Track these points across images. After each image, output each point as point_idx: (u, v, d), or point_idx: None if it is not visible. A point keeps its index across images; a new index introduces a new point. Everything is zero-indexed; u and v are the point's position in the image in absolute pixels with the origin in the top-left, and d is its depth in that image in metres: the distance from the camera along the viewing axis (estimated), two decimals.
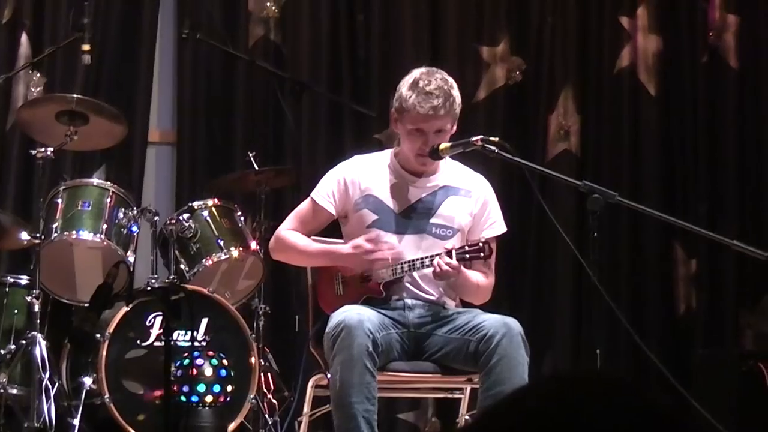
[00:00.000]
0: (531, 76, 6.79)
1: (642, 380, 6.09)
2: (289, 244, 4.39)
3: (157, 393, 4.94)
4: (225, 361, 4.92)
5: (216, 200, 5.55)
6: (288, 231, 4.40)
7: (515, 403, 1.23)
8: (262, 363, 5.26)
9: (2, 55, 6.07)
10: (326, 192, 4.36)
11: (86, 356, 5.13)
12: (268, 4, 6.48)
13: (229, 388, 4.89)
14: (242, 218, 5.59)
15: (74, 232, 5.25)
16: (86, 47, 5.41)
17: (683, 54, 6.95)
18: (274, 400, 5.38)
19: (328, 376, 4.08)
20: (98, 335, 4.91)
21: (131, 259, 5.32)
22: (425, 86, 4.21)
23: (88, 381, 5.08)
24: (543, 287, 6.68)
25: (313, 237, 4.42)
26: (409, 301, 4.28)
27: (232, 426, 5.02)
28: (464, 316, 4.24)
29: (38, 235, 5.09)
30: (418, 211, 4.32)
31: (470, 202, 4.36)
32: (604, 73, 6.88)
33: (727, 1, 6.96)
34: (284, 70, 6.27)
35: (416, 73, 4.30)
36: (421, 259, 4.20)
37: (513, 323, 4.11)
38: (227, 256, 5.43)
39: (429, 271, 4.21)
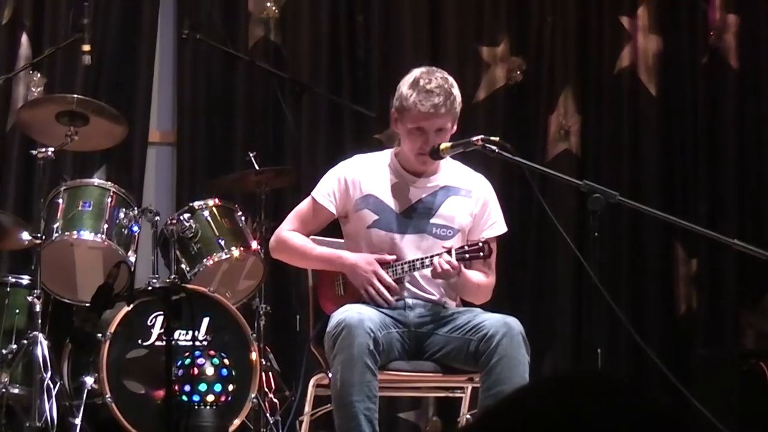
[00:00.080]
0: (531, 76, 6.79)
1: (642, 380, 6.09)
2: (289, 245, 4.39)
3: (159, 393, 4.94)
4: (226, 361, 4.92)
5: (216, 200, 5.55)
6: (289, 232, 4.40)
7: (516, 403, 1.24)
8: (263, 362, 5.27)
9: (2, 56, 6.07)
10: (327, 191, 4.36)
11: (87, 356, 5.14)
12: (268, 4, 6.48)
13: (231, 387, 4.90)
14: (243, 218, 5.59)
15: (75, 232, 5.26)
16: (86, 48, 5.41)
17: (683, 54, 6.95)
18: (275, 400, 5.39)
19: (329, 375, 4.09)
20: (99, 335, 4.92)
21: (132, 259, 5.32)
22: (426, 84, 4.21)
23: (89, 381, 5.08)
24: (543, 287, 6.68)
25: (312, 237, 4.42)
26: (409, 301, 4.29)
27: (233, 425, 5.03)
28: (465, 315, 4.25)
29: (39, 235, 5.09)
30: (418, 211, 4.31)
31: (470, 202, 4.36)
32: (605, 73, 6.88)
33: (727, 2, 6.96)
34: (284, 70, 6.27)
35: (416, 72, 4.30)
36: (421, 259, 4.20)
37: (514, 323, 4.11)
38: (228, 256, 5.43)
39: (429, 271, 4.22)
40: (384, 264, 4.24)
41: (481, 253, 4.16)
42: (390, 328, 4.17)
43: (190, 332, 4.85)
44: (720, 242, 4.24)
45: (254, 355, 5.12)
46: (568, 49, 6.84)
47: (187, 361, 4.84)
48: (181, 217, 5.42)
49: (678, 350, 6.60)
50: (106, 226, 5.29)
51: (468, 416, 4.53)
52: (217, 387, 4.86)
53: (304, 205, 4.43)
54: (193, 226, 5.41)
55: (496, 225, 4.39)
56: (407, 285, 4.30)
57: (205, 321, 5.11)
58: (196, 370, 4.83)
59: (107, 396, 4.91)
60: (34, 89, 6.07)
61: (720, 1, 6.96)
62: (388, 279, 4.21)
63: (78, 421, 4.95)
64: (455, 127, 4.28)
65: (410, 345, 4.26)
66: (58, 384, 4.98)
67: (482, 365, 4.09)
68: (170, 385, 3.66)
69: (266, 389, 5.31)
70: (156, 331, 5.06)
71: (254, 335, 5.20)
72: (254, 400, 5.10)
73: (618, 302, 4.71)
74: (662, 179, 6.85)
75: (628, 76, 6.88)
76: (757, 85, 6.94)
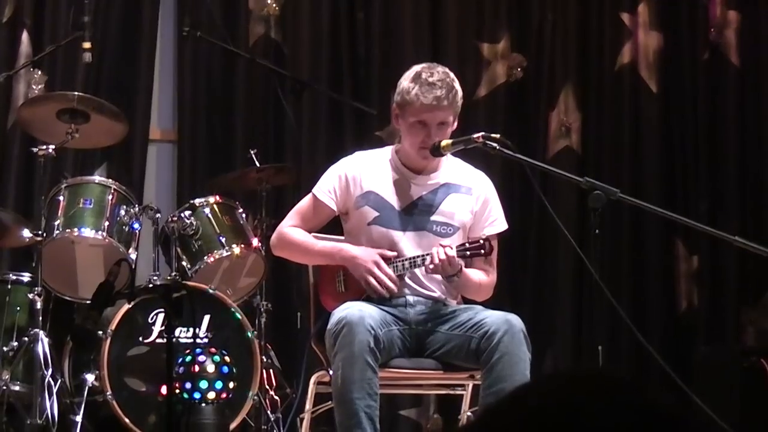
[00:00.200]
0: (532, 73, 6.79)
1: (643, 377, 6.10)
2: (290, 241, 4.39)
3: (160, 390, 4.94)
4: (227, 358, 4.92)
5: (217, 197, 5.55)
6: (290, 228, 4.40)
7: (517, 402, 1.24)
8: (264, 360, 5.27)
9: (3, 54, 6.07)
10: (327, 188, 4.36)
11: (88, 353, 5.14)
12: (269, 2, 6.48)
13: (231, 384, 4.90)
14: (243, 215, 5.59)
15: (76, 229, 5.26)
16: (87, 45, 5.41)
17: (684, 51, 6.95)
18: (276, 397, 5.39)
19: (330, 372, 4.09)
20: (100, 332, 4.92)
21: (133, 256, 5.32)
22: (428, 78, 4.21)
23: (90, 378, 5.08)
24: (544, 284, 6.68)
25: (313, 234, 4.41)
26: (410, 298, 4.29)
27: (234, 423, 5.03)
28: (466, 313, 4.25)
29: (40, 232, 5.10)
30: (419, 209, 4.31)
31: (471, 199, 4.36)
32: (605, 70, 6.88)
33: None
34: (285, 68, 6.27)
35: (417, 67, 4.30)
36: (422, 256, 4.20)
37: (515, 320, 4.11)
38: (229, 253, 5.43)
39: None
40: (384, 259, 4.24)
41: (482, 250, 4.16)
42: (391, 325, 4.17)
43: (191, 330, 4.85)
44: (721, 239, 4.23)
45: (255, 353, 5.12)
46: (568, 45, 6.84)
47: (188, 358, 4.84)
48: (182, 215, 5.42)
49: (679, 347, 6.60)
50: (107, 223, 5.29)
51: (469, 413, 4.53)
52: (218, 384, 4.86)
53: (305, 202, 4.43)
54: (194, 223, 5.41)
55: (496, 222, 4.39)
56: (408, 282, 4.29)
57: (206, 318, 5.11)
58: (197, 368, 4.83)
59: (108, 393, 4.92)
60: (34, 87, 6.07)
61: None
62: (389, 270, 4.21)
63: (79, 418, 4.95)
64: (456, 124, 4.28)
65: (411, 342, 4.26)
66: (59, 381, 4.98)
67: (483, 363, 4.09)
68: (171, 383, 3.65)
69: (267, 387, 5.31)
70: (157, 328, 5.06)
71: (255, 332, 5.20)
72: (255, 397, 5.10)
73: (619, 299, 4.71)
74: (663, 176, 6.85)
75: (628, 72, 6.88)
76: (757, 82, 6.94)
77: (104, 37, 6.16)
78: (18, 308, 5.21)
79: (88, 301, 4.48)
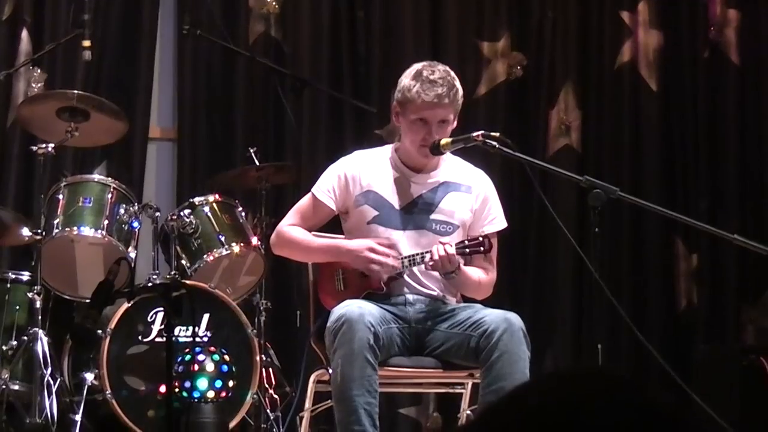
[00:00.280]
0: (532, 71, 6.79)
1: (643, 376, 6.10)
2: (290, 239, 4.39)
3: (159, 389, 4.94)
4: (226, 357, 4.92)
5: (217, 196, 5.55)
6: (289, 226, 4.40)
7: (516, 400, 1.24)
8: (264, 358, 5.27)
9: (3, 52, 6.07)
10: (327, 187, 4.36)
11: (88, 352, 5.14)
12: (269, 0, 6.48)
13: (231, 383, 4.89)
14: (243, 214, 5.59)
15: (75, 228, 5.26)
16: (87, 43, 5.41)
17: (684, 49, 6.95)
18: (275, 396, 5.39)
19: (330, 371, 4.09)
20: (100, 331, 4.92)
21: (132, 255, 5.32)
22: (429, 75, 4.21)
23: (89, 377, 5.09)
24: (544, 283, 6.68)
25: (314, 233, 4.41)
26: (410, 297, 4.29)
27: (233, 422, 5.03)
28: (465, 311, 4.24)
29: (39, 231, 5.10)
30: (418, 207, 4.31)
31: (471, 197, 4.36)
32: (605, 69, 6.88)
33: None
34: (285, 66, 6.27)
35: (418, 65, 4.30)
36: (421, 254, 4.20)
37: (514, 318, 4.11)
38: (228, 251, 5.43)
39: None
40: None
41: (482, 248, 4.16)
42: (390, 323, 4.17)
43: (191, 328, 4.85)
44: (721, 238, 4.23)
45: (254, 352, 5.12)
46: (568, 44, 6.84)
47: (188, 357, 4.84)
48: (182, 213, 5.42)
49: (678, 346, 6.60)
50: (106, 222, 5.29)
51: (468, 412, 4.53)
52: (218, 383, 4.85)
53: (305, 201, 4.43)
54: (194, 222, 5.41)
55: (496, 220, 4.39)
56: (407, 280, 4.29)
57: (206, 317, 5.11)
58: (196, 366, 4.83)
59: (107, 392, 4.91)
60: (34, 85, 6.07)
61: None
62: (385, 249, 4.20)
63: (78, 417, 4.95)
64: (456, 122, 4.28)
65: (410, 341, 4.26)
66: (59, 380, 4.98)
67: (483, 361, 4.08)
68: (170, 382, 3.65)
69: (267, 385, 5.31)
70: (156, 327, 5.06)
71: (254, 331, 5.20)
72: (254, 396, 5.10)
73: (618, 298, 4.71)
74: (663, 174, 6.85)
75: (628, 71, 6.88)
76: (757, 80, 6.94)
77: (104, 35, 6.16)
78: (17, 307, 5.21)
79: (87, 300, 4.48)
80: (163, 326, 4.97)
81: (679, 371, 4.29)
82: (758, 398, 5.62)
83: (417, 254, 4.21)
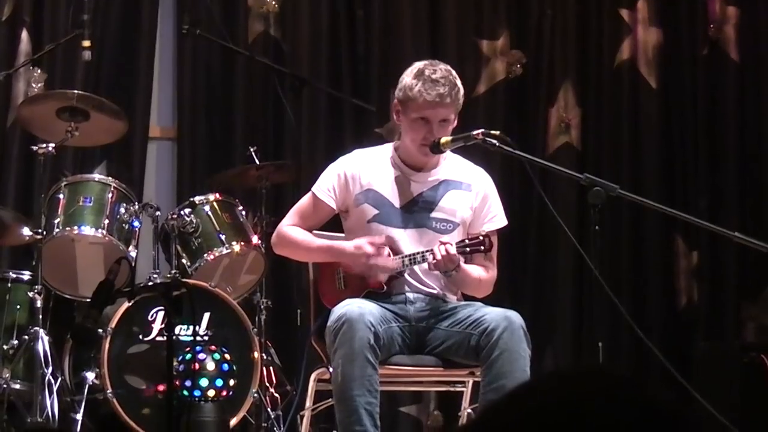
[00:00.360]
0: (531, 69, 6.80)
1: (644, 373, 6.11)
2: (290, 239, 4.39)
3: (160, 388, 4.95)
4: (227, 356, 4.93)
5: (217, 195, 5.55)
6: (289, 227, 4.40)
7: (517, 400, 1.24)
8: (264, 357, 5.27)
9: (2, 52, 6.07)
10: (327, 186, 4.36)
11: (88, 351, 5.14)
12: None
13: (232, 382, 4.90)
14: (243, 213, 5.59)
15: (76, 227, 5.26)
16: (86, 43, 5.41)
17: (683, 47, 6.95)
18: (276, 395, 5.39)
19: (330, 370, 4.09)
20: (100, 331, 4.92)
21: (133, 254, 5.33)
22: (431, 75, 4.21)
23: (90, 376, 5.09)
24: (544, 281, 6.68)
25: (315, 232, 4.42)
26: (410, 295, 4.29)
27: (234, 420, 5.03)
28: (466, 309, 4.24)
29: (40, 230, 5.10)
30: (419, 206, 4.31)
31: (471, 195, 4.36)
32: (605, 66, 6.88)
33: None
34: (284, 65, 6.28)
35: (420, 64, 4.30)
36: (422, 252, 4.20)
37: (514, 316, 4.11)
38: (229, 250, 5.43)
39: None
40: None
41: (482, 246, 4.16)
42: (391, 322, 4.17)
43: (191, 327, 4.86)
44: (721, 235, 4.23)
45: (255, 350, 5.12)
46: (567, 42, 6.84)
47: (188, 356, 4.85)
48: (182, 212, 5.42)
49: (679, 343, 6.60)
50: (106, 221, 5.29)
51: (469, 410, 4.53)
52: (218, 382, 4.86)
53: (305, 200, 4.43)
54: (194, 221, 5.41)
55: (496, 218, 4.39)
56: (407, 278, 4.29)
57: (206, 316, 5.12)
58: (197, 365, 4.83)
59: (108, 391, 4.92)
60: (34, 85, 6.07)
61: None
62: (380, 252, 4.19)
63: (79, 416, 4.96)
64: (456, 121, 4.28)
65: (411, 339, 4.26)
66: (59, 379, 4.98)
67: (483, 359, 4.09)
68: (171, 381, 3.65)
69: (267, 384, 5.31)
70: (157, 326, 5.06)
71: (255, 330, 5.20)
72: (255, 394, 5.10)
73: (619, 295, 4.71)
74: (662, 172, 6.85)
75: (628, 68, 6.88)
76: (757, 78, 6.94)
77: (104, 35, 6.16)
78: (18, 306, 5.21)
79: (88, 300, 4.48)
80: (163, 325, 4.97)
81: (680, 369, 4.28)
82: (758, 395, 5.62)
83: (417, 253, 4.21)
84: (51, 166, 5.30)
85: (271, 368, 5.45)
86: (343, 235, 4.45)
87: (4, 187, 6.00)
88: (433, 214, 4.31)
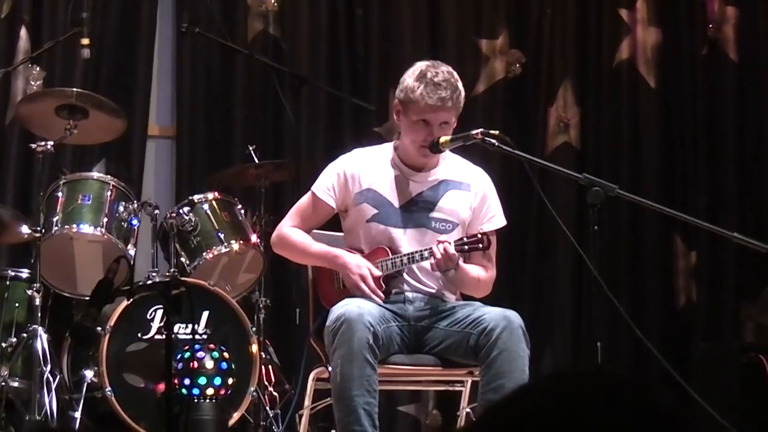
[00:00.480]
0: (530, 69, 6.79)
1: (642, 373, 6.11)
2: (289, 242, 4.38)
3: (158, 386, 4.94)
4: (226, 354, 4.93)
5: (216, 194, 5.55)
6: (290, 228, 4.39)
7: (516, 401, 1.24)
8: (263, 356, 5.27)
9: (1, 50, 6.06)
10: (326, 186, 4.36)
11: (87, 350, 5.14)
12: None
13: (230, 381, 4.90)
14: (242, 212, 5.59)
15: (75, 225, 5.26)
16: (85, 41, 5.41)
17: (683, 46, 6.95)
18: (275, 393, 5.39)
19: (329, 369, 4.09)
20: (99, 328, 4.92)
21: (132, 252, 5.33)
22: (433, 77, 4.20)
23: (89, 374, 5.09)
24: (543, 280, 6.68)
25: (314, 231, 4.41)
26: (409, 295, 4.28)
27: (233, 419, 5.03)
28: (464, 309, 4.24)
29: (39, 229, 5.10)
30: (418, 206, 4.31)
31: (470, 195, 4.36)
32: (604, 66, 6.88)
33: None
34: (283, 64, 6.27)
35: (422, 65, 4.29)
36: (420, 251, 4.20)
37: (513, 316, 4.11)
38: (228, 249, 5.43)
39: (427, 263, 4.21)
40: (380, 259, 4.24)
41: (480, 245, 4.16)
42: (390, 321, 4.17)
43: (190, 326, 4.85)
44: (720, 235, 4.23)
45: (254, 349, 5.12)
46: (567, 41, 6.84)
47: (187, 354, 4.84)
48: (181, 211, 5.42)
49: (678, 343, 6.60)
50: (105, 219, 5.29)
51: (468, 410, 4.53)
52: (217, 380, 4.86)
53: (305, 200, 4.43)
54: (193, 219, 5.41)
55: (495, 218, 4.39)
56: (406, 278, 4.29)
57: (205, 314, 5.12)
58: (195, 364, 4.83)
59: (107, 389, 4.92)
60: (33, 83, 6.07)
61: None
62: (373, 285, 4.20)
63: (78, 414, 4.96)
64: (455, 122, 4.28)
65: (410, 339, 4.26)
66: (58, 377, 4.98)
67: (482, 359, 4.08)
68: (170, 379, 3.65)
69: (266, 383, 5.31)
70: (155, 324, 5.06)
71: (254, 329, 5.20)
72: (254, 393, 5.11)
73: (618, 295, 4.71)
74: (662, 172, 6.85)
75: (627, 68, 6.88)
76: (756, 77, 6.94)
77: (103, 33, 6.15)
78: (17, 304, 5.21)
79: (86, 298, 4.48)
80: (162, 324, 4.97)
81: (679, 369, 4.29)
82: (757, 396, 5.62)
83: (415, 252, 4.21)
84: (50, 164, 5.30)
85: (269, 367, 5.44)
86: (342, 234, 4.45)
87: (2, 185, 5.99)
88: (433, 214, 4.30)
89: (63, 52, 6.01)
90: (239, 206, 5.58)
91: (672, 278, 6.85)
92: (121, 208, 5.34)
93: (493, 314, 4.13)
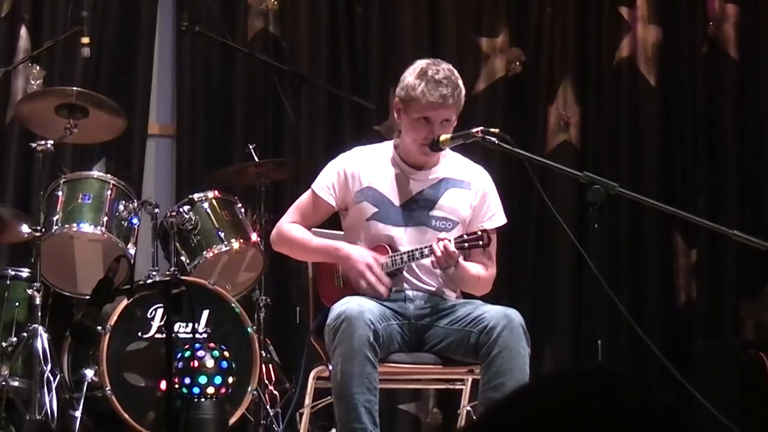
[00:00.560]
0: (530, 67, 6.79)
1: (643, 371, 6.11)
2: (289, 238, 4.38)
3: (159, 385, 4.94)
4: (226, 353, 4.92)
5: (216, 192, 5.55)
6: (289, 224, 4.40)
7: (517, 401, 1.24)
8: (263, 355, 5.27)
9: (1, 49, 6.06)
10: (326, 184, 4.36)
11: (87, 349, 5.14)
12: None
13: (231, 379, 4.90)
14: (242, 210, 5.59)
15: (75, 224, 5.26)
16: (85, 40, 5.41)
17: (683, 44, 6.95)
18: (275, 392, 5.39)
19: (330, 367, 4.09)
20: (99, 328, 4.92)
21: (132, 251, 5.33)
22: (434, 75, 4.20)
23: (89, 373, 5.09)
24: (543, 279, 6.68)
25: (314, 230, 4.41)
26: (409, 293, 4.28)
27: (233, 418, 5.03)
28: (465, 307, 4.24)
29: (39, 228, 5.10)
30: (418, 204, 4.31)
31: (470, 194, 4.36)
32: (604, 64, 6.88)
33: None
34: (283, 62, 6.27)
35: (422, 63, 4.29)
36: (420, 249, 4.20)
37: (514, 314, 4.11)
38: (228, 248, 5.43)
39: (427, 261, 4.21)
40: (381, 255, 4.24)
41: (480, 242, 4.15)
42: (390, 320, 4.17)
43: (190, 325, 4.85)
44: (720, 233, 4.23)
45: (254, 348, 5.12)
46: (567, 39, 6.84)
47: (187, 353, 4.84)
48: (181, 210, 5.42)
49: (678, 341, 6.60)
50: (105, 218, 5.29)
51: (468, 408, 4.53)
52: (217, 379, 4.86)
53: (305, 198, 4.43)
54: (193, 218, 5.41)
55: (495, 217, 4.39)
56: (406, 276, 4.29)
57: (205, 313, 5.12)
58: (196, 363, 4.83)
59: (107, 389, 4.92)
60: (33, 82, 6.07)
61: None
62: (380, 272, 4.20)
63: (78, 413, 4.95)
64: (456, 121, 4.28)
65: (410, 337, 4.26)
66: (58, 377, 4.98)
67: (482, 357, 4.08)
68: (170, 378, 3.65)
69: (266, 381, 5.31)
70: (156, 323, 5.06)
71: (254, 327, 5.20)
72: (254, 392, 5.11)
73: (618, 294, 4.71)
74: (662, 170, 6.85)
75: (627, 66, 6.88)
76: (756, 76, 6.94)
77: (103, 32, 6.15)
78: (17, 304, 5.21)
79: (87, 297, 4.48)
80: (162, 323, 4.97)
81: (679, 367, 4.29)
82: (758, 393, 5.62)
83: (416, 250, 4.21)
84: (50, 163, 5.30)
85: (270, 366, 5.44)
86: (342, 233, 4.44)
87: (2, 184, 5.99)
88: (433, 213, 4.30)
89: (63, 51, 6.01)
90: (239, 205, 5.59)
91: (672, 276, 6.85)
92: (121, 207, 5.34)
93: (493, 312, 4.13)
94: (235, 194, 5.69)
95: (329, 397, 4.17)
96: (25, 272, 5.23)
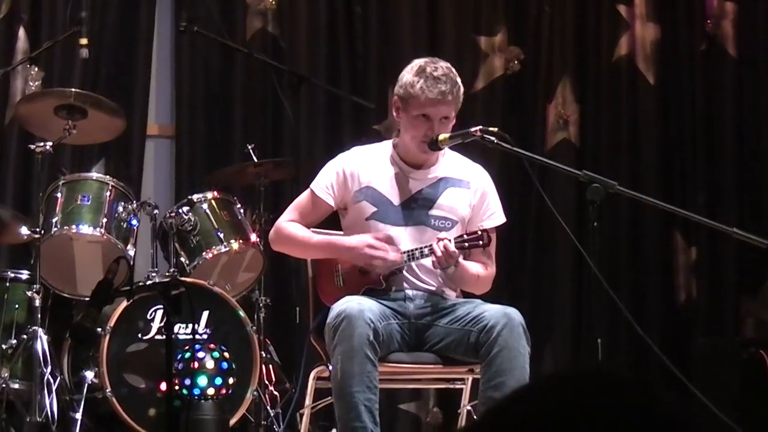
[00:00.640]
0: (529, 65, 6.79)
1: (643, 370, 6.10)
2: (288, 235, 4.38)
3: (159, 386, 4.94)
4: (226, 354, 4.92)
5: (215, 193, 5.55)
6: (288, 222, 4.39)
7: (517, 401, 1.24)
8: (263, 355, 5.27)
9: (0, 50, 6.06)
10: (325, 184, 4.35)
11: (87, 350, 5.14)
12: None
13: (231, 380, 4.90)
14: (242, 211, 5.59)
15: (74, 226, 5.25)
16: (84, 41, 5.40)
17: (681, 42, 6.95)
18: (275, 392, 5.39)
19: (330, 367, 4.09)
20: (99, 329, 4.91)
21: (131, 252, 5.32)
22: (432, 72, 4.21)
23: (89, 375, 5.09)
24: (543, 278, 6.68)
25: (312, 229, 4.41)
26: (409, 292, 4.28)
27: (234, 419, 5.03)
28: (465, 306, 4.24)
29: (38, 229, 5.09)
30: (418, 203, 4.31)
31: (469, 193, 4.36)
32: (603, 62, 6.88)
33: None
34: (282, 62, 6.27)
35: (420, 61, 4.29)
36: (420, 248, 4.20)
37: (514, 313, 4.11)
38: (227, 248, 5.43)
39: (427, 261, 4.21)
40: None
41: (480, 242, 4.16)
42: (390, 319, 4.17)
43: (190, 326, 4.85)
44: (719, 231, 4.23)
45: (254, 348, 5.12)
46: (565, 38, 6.84)
47: (188, 354, 4.84)
48: (180, 210, 5.41)
49: (678, 339, 6.60)
50: (105, 219, 5.29)
51: (468, 407, 4.53)
52: (218, 380, 4.86)
53: (304, 197, 4.42)
54: (192, 219, 5.41)
55: (494, 215, 4.39)
56: (406, 275, 4.29)
57: (205, 314, 5.12)
58: (196, 364, 4.83)
59: (107, 390, 4.92)
60: (31, 83, 6.06)
61: None
62: (382, 244, 4.20)
63: (78, 415, 4.95)
64: (455, 119, 4.28)
65: (410, 336, 4.26)
66: (59, 378, 4.98)
67: (482, 356, 4.08)
68: (171, 379, 3.65)
69: (266, 382, 5.31)
70: (156, 324, 5.06)
71: (254, 328, 5.20)
72: (254, 393, 5.10)
73: (618, 292, 4.71)
74: (661, 168, 6.85)
75: (626, 64, 6.88)
76: (755, 73, 6.94)
77: (101, 32, 6.15)
78: (17, 306, 5.21)
79: (86, 298, 4.47)
80: (162, 324, 4.97)
81: (679, 365, 4.29)
82: (758, 391, 5.62)
83: (415, 249, 4.21)
84: (49, 165, 5.29)
85: (270, 366, 5.44)
86: (341, 232, 4.44)
87: (1, 186, 5.99)
88: (432, 212, 4.30)
89: (62, 51, 6.00)
90: (239, 205, 5.58)
91: (672, 274, 6.85)
92: (121, 208, 5.34)
93: (493, 311, 4.13)
94: (234, 194, 5.68)
95: (329, 397, 4.17)
96: (24, 274, 5.23)
